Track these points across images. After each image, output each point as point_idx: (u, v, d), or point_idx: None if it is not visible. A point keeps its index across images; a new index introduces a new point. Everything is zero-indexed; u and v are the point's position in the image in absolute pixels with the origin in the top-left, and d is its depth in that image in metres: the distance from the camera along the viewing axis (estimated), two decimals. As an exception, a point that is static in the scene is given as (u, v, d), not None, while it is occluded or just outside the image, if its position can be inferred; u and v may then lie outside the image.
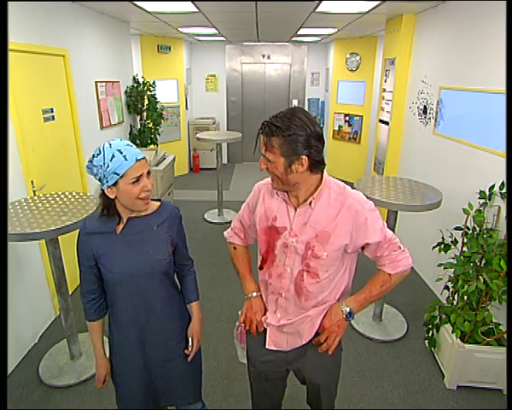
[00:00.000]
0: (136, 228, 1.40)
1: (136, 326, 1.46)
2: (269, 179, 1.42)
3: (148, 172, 1.34)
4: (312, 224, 1.30)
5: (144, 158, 1.32)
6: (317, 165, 1.24)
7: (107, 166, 1.26)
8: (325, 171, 1.32)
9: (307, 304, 1.40)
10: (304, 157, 1.19)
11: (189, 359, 1.56)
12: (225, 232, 1.65)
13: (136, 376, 1.52)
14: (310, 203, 1.29)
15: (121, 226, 1.39)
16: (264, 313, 1.49)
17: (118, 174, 1.26)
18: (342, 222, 1.28)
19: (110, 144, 1.29)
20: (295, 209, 1.33)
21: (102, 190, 1.33)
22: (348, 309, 1.37)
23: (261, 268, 1.46)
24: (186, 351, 1.55)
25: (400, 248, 1.37)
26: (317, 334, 1.44)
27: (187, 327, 1.59)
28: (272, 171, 1.25)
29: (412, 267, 1.43)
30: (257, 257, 1.49)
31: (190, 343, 1.56)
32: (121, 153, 1.26)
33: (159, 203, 1.49)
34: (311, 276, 1.35)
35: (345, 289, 1.44)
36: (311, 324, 1.42)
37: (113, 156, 1.26)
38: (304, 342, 1.45)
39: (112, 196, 1.32)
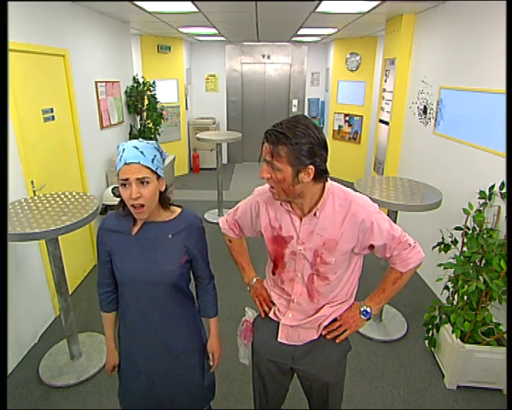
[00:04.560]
0: (151, 233, 1.36)
1: (141, 329, 1.45)
2: (267, 186, 1.41)
3: (145, 182, 1.24)
4: (319, 232, 1.30)
5: (136, 163, 1.22)
6: (321, 174, 1.21)
7: (118, 158, 1.26)
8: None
9: (320, 304, 1.43)
10: (310, 167, 1.17)
11: (211, 370, 1.60)
12: (220, 221, 1.64)
13: (139, 377, 1.50)
14: (314, 214, 1.29)
15: (136, 228, 1.37)
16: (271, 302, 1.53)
17: (116, 171, 1.26)
18: (348, 228, 1.29)
19: (130, 141, 1.28)
20: (300, 219, 1.32)
21: None
22: (364, 307, 1.44)
23: (274, 273, 1.48)
24: (210, 362, 1.60)
25: (410, 245, 1.36)
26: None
27: (196, 339, 1.56)
28: (277, 180, 1.19)
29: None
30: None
31: (211, 358, 1.59)
32: (123, 151, 1.24)
33: (179, 210, 1.42)
34: (321, 279, 1.37)
35: (355, 284, 1.47)
36: (326, 320, 1.45)
37: (122, 151, 1.25)
38: (316, 337, 1.47)
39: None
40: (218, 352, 1.60)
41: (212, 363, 1.60)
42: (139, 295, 1.39)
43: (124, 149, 1.24)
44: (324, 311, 1.43)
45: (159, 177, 1.30)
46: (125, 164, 1.22)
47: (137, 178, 1.23)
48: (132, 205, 1.26)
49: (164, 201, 1.37)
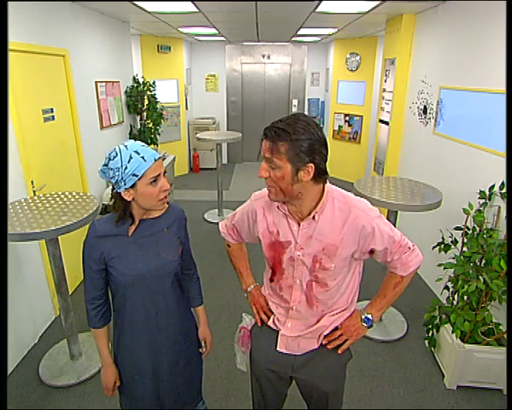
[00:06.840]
0: (147, 230, 1.40)
1: (146, 329, 1.46)
2: (265, 191, 1.38)
3: (164, 172, 1.34)
4: (318, 236, 1.27)
5: (161, 158, 1.31)
6: (321, 174, 1.18)
7: (126, 167, 1.23)
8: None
9: (319, 311, 1.40)
10: (310, 165, 1.14)
11: (202, 356, 1.68)
12: (220, 224, 1.62)
13: (144, 379, 1.51)
14: (313, 217, 1.25)
15: (133, 228, 1.38)
16: (270, 311, 1.50)
17: (136, 175, 1.25)
18: (349, 233, 1.25)
19: (126, 146, 1.27)
20: (298, 224, 1.29)
21: (117, 193, 1.30)
22: (365, 314, 1.41)
23: (272, 280, 1.45)
24: (201, 350, 1.68)
25: (410, 248, 1.34)
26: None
27: (192, 328, 1.63)
28: (276, 178, 1.17)
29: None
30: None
31: (204, 345, 1.68)
32: (138, 154, 1.25)
33: (167, 205, 1.48)
34: (320, 286, 1.34)
35: (355, 291, 1.43)
36: (326, 330, 1.42)
37: (131, 158, 1.24)
38: (315, 347, 1.44)
39: (129, 199, 1.30)
40: (210, 338, 1.69)
41: (204, 350, 1.68)
42: (142, 293, 1.41)
43: (139, 151, 1.26)
44: (325, 321, 1.40)
45: None
46: (155, 160, 1.28)
47: (164, 171, 1.33)
48: (160, 199, 1.32)
49: None
